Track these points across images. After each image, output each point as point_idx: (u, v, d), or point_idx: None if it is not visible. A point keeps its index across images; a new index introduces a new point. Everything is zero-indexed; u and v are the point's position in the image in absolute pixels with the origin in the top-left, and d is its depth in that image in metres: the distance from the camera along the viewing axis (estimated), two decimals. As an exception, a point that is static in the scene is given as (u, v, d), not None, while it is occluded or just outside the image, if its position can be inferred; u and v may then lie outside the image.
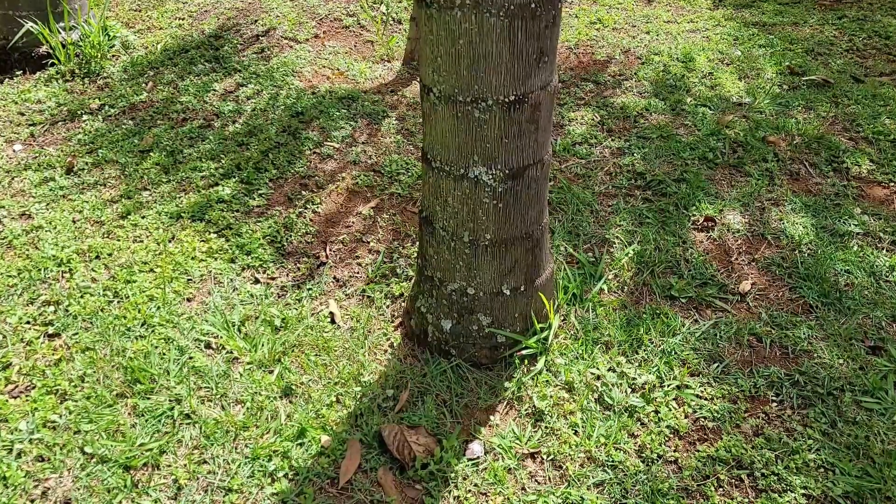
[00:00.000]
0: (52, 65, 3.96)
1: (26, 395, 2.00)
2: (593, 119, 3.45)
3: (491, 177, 1.88)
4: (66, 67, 3.93)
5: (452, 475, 1.82)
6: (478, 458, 1.87)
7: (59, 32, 4.00)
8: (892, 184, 2.90)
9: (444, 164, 1.91)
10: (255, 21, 4.60)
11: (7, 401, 1.97)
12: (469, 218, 1.96)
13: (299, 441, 1.89)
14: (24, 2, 3.95)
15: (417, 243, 2.38)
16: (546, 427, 1.95)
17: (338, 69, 4.12)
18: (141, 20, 4.67)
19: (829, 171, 2.98)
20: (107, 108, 3.57)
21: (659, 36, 4.37)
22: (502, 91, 1.75)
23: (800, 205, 2.77)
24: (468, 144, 1.84)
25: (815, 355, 2.13)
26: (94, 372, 2.06)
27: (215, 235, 2.67)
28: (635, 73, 3.89)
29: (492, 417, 1.99)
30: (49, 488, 1.76)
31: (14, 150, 3.23)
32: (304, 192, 2.95)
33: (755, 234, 2.65)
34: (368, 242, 2.71)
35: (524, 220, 1.99)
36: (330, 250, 2.67)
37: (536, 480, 1.83)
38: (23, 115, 3.52)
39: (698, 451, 1.88)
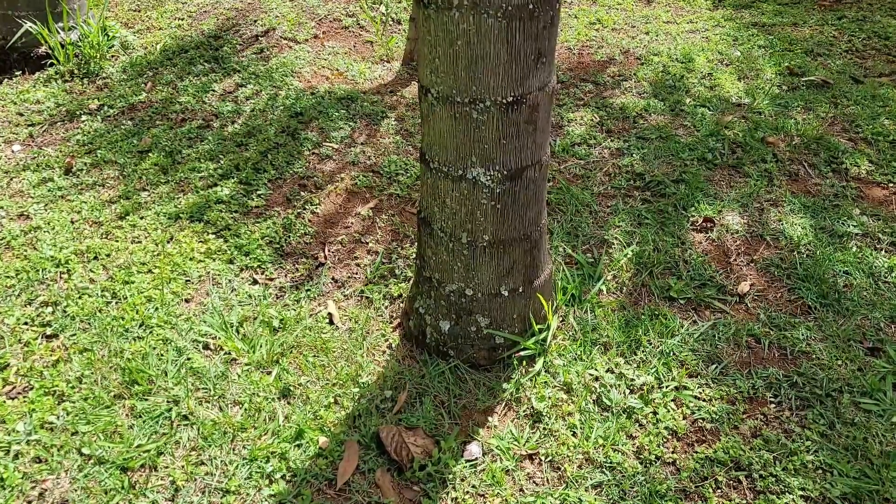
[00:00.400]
0: (52, 65, 3.96)
1: (24, 396, 2.00)
2: (592, 120, 3.45)
3: (489, 178, 1.87)
4: (66, 68, 3.93)
5: (450, 476, 1.81)
6: (476, 459, 1.87)
7: (58, 33, 4.00)
8: (891, 184, 2.90)
9: (443, 165, 1.91)
10: (255, 21, 4.60)
11: (5, 402, 1.97)
12: (467, 219, 1.95)
13: (297, 442, 1.89)
14: (23, 2, 3.95)
15: (416, 244, 2.38)
16: (544, 428, 1.94)
17: (337, 69, 4.11)
18: (140, 20, 4.67)
19: (828, 171, 2.98)
20: (106, 108, 3.57)
21: (658, 36, 4.37)
22: (500, 92, 1.75)
23: (799, 205, 2.77)
24: (466, 145, 1.84)
25: (814, 356, 2.13)
26: (92, 373, 2.06)
27: (214, 236, 2.66)
28: (634, 74, 3.89)
29: (490, 419, 1.99)
30: (46, 489, 1.76)
31: (13, 151, 3.23)
32: (302, 193, 2.95)
33: (754, 234, 2.65)
34: (367, 243, 2.70)
35: (522, 222, 1.98)
36: (328, 251, 2.67)
37: (534, 482, 1.82)
38: (21, 115, 3.52)
39: (696, 452, 1.87)
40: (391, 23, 4.78)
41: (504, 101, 1.76)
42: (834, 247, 2.54)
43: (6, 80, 3.88)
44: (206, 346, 2.20)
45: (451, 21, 1.67)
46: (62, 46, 3.97)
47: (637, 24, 4.61)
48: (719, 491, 1.79)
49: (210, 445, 1.87)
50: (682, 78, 3.81)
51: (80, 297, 2.34)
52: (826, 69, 3.84)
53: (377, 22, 4.65)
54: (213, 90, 3.76)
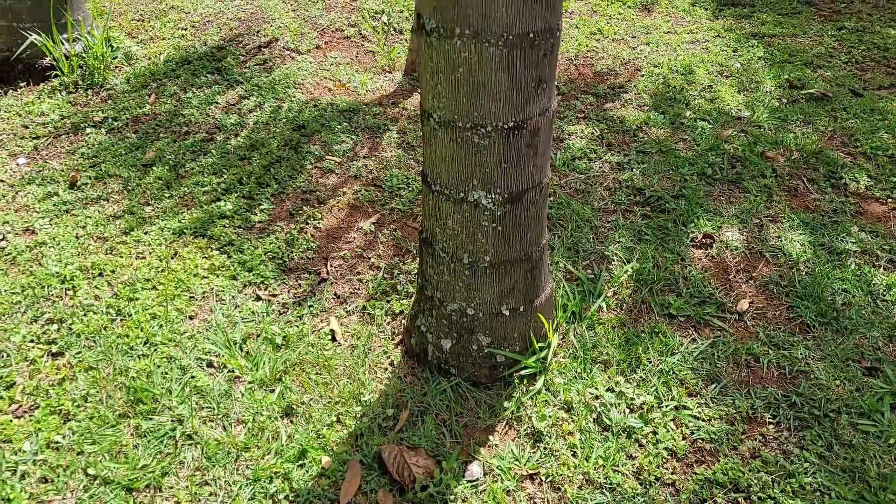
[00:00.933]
0: (56, 76, 3.99)
1: (30, 415, 2.02)
2: (593, 133, 3.47)
3: (490, 201, 1.90)
4: (70, 79, 3.96)
5: (452, 497, 1.83)
6: (477, 479, 1.89)
7: (63, 44, 4.03)
8: (890, 199, 2.92)
9: (444, 188, 1.93)
10: (258, 32, 4.62)
11: (11, 421, 1.99)
12: (468, 240, 1.98)
13: (300, 462, 1.91)
14: (28, 14, 3.98)
15: (417, 261, 2.40)
16: (545, 448, 1.96)
17: (339, 81, 4.14)
18: (144, 30, 4.70)
19: (827, 186, 3.00)
20: (110, 120, 3.60)
21: (659, 47, 4.39)
22: (501, 118, 1.77)
23: (798, 222, 2.78)
24: (468, 169, 1.86)
25: (812, 376, 2.15)
26: (97, 392, 2.08)
27: (217, 252, 2.69)
28: (635, 86, 3.91)
29: (491, 438, 2.01)
30: (53, 510, 1.78)
31: (18, 164, 3.25)
32: (305, 208, 2.97)
33: (753, 251, 2.67)
34: (369, 258, 2.73)
35: (523, 242, 2.00)
36: (331, 266, 2.69)
37: (535, 502, 1.84)
38: (26, 127, 3.54)
39: (696, 473, 1.89)
40: (393, 32, 4.81)
41: (505, 126, 1.78)
42: (833, 264, 2.56)
43: (11, 91, 3.91)
44: (210, 364, 2.22)
45: (452, 49, 1.69)
46: (66, 58, 4.00)
47: (637, 34, 4.63)
48: (718, 512, 1.81)
49: (214, 465, 1.89)
50: (683, 90, 3.82)
51: (85, 315, 2.36)
52: (825, 81, 3.86)
53: (379, 32, 4.67)
54: (217, 102, 3.78)
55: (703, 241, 2.71)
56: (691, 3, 5.08)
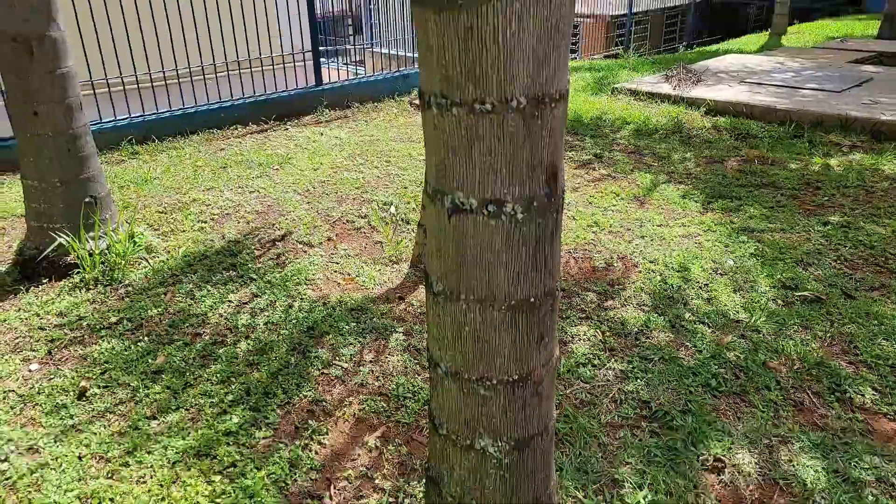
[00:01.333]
0: (78, 272, 4.18)
1: None
2: (595, 336, 3.54)
3: (497, 449, 1.90)
4: (91, 275, 4.14)
5: None
6: None
7: (88, 242, 4.27)
8: (899, 415, 2.90)
9: (451, 433, 1.95)
10: (273, 225, 4.92)
11: None
12: (476, 486, 1.95)
13: None
14: (60, 216, 4.26)
15: (423, 495, 2.34)
16: None
17: (348, 274, 4.31)
18: (166, 222, 5.00)
19: (833, 400, 2.99)
20: (125, 321, 3.70)
21: (653, 241, 4.61)
22: (506, 371, 1.83)
23: (808, 443, 2.75)
24: (474, 417, 1.89)
25: None
26: None
27: (220, 475, 2.64)
28: (633, 283, 4.05)
29: None
30: None
31: (30, 371, 3.30)
32: (310, 422, 2.96)
33: (766, 478, 2.60)
34: (374, 478, 2.67)
35: (531, 487, 1.98)
36: (334, 489, 2.62)
37: None
38: (43, 329, 3.64)
39: None
40: (400, 223, 5.09)
41: (510, 379, 1.84)
42: (849, 496, 2.48)
43: (33, 287, 4.07)
44: None
45: (458, 311, 1.79)
46: (90, 255, 4.22)
47: (632, 226, 4.88)
48: None
49: None
50: (680, 289, 3.96)
51: (76, 555, 2.27)
52: (818, 281, 4.00)
53: (387, 224, 4.96)
54: (230, 300, 3.92)
55: (715, 464, 2.65)
56: (681, 195, 5.42)
